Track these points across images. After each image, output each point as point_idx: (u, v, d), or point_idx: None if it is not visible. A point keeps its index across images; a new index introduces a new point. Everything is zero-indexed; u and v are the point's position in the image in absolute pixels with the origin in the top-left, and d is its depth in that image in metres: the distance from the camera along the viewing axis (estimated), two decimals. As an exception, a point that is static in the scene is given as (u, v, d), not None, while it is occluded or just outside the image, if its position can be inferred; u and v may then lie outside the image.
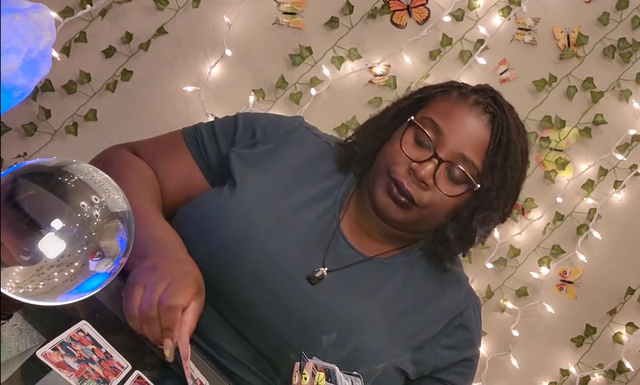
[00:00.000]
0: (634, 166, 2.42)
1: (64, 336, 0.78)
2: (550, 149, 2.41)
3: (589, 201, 2.44)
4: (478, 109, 1.13)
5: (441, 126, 1.12)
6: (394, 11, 2.33)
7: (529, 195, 2.42)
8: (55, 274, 0.69)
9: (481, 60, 2.35)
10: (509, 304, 2.46)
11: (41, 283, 0.70)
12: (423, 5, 2.34)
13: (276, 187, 1.16)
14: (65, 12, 2.16)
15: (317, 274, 1.11)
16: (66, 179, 0.72)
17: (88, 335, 0.81)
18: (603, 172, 2.43)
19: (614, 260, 2.47)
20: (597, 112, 2.40)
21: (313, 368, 0.87)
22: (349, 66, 2.32)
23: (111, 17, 2.24)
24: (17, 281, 0.69)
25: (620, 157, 2.41)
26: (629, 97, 2.40)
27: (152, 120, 2.30)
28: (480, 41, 2.34)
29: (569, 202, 2.44)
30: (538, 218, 2.44)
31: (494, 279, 2.46)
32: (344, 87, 2.33)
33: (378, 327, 1.10)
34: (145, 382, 0.81)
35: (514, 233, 2.44)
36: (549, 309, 2.46)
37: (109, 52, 2.25)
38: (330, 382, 0.87)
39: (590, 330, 2.49)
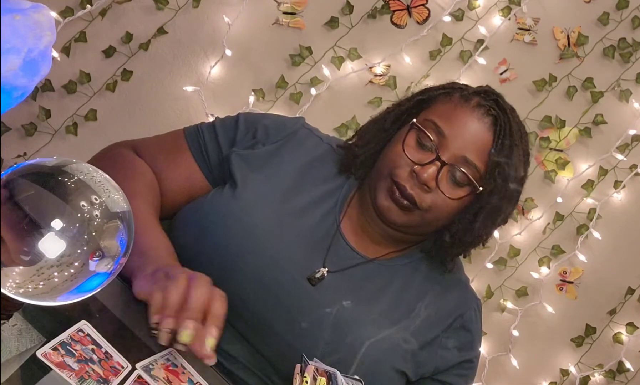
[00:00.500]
0: (634, 166, 2.42)
1: (64, 336, 0.78)
2: (550, 149, 2.41)
3: (589, 201, 2.44)
4: (480, 112, 1.12)
5: (443, 129, 1.11)
6: (394, 11, 2.33)
7: (529, 195, 2.42)
8: (55, 274, 0.69)
9: (481, 60, 2.35)
10: (509, 304, 2.46)
11: (41, 283, 0.69)
12: (423, 5, 2.34)
13: (277, 189, 1.15)
14: (65, 12, 2.17)
15: (318, 275, 1.11)
16: (66, 179, 0.72)
17: (88, 335, 0.81)
18: (603, 172, 2.42)
19: (614, 260, 2.47)
20: (597, 112, 2.40)
21: (314, 371, 0.86)
22: (349, 66, 2.32)
23: (111, 17, 2.24)
24: (17, 281, 0.69)
25: (620, 157, 2.41)
26: (629, 97, 2.40)
27: (152, 120, 2.30)
28: (480, 41, 2.34)
29: (569, 202, 2.44)
30: (538, 218, 2.44)
31: (494, 279, 2.46)
32: (344, 87, 2.33)
33: (378, 328, 1.10)
34: (145, 382, 0.81)
35: (514, 233, 2.44)
36: (549, 309, 2.46)
37: (109, 52, 2.25)
38: (332, 386, 0.87)
39: (590, 330, 2.49)
